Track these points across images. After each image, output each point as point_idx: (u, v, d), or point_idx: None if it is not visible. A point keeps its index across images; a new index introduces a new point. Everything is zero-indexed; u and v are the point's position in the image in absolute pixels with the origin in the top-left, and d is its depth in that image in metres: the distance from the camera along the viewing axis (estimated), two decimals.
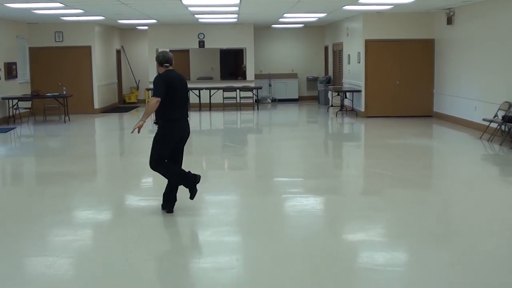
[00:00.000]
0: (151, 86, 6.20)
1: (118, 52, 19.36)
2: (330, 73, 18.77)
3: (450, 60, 13.38)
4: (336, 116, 15.20)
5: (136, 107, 18.43)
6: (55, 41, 16.39)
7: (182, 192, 5.90)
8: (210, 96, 16.64)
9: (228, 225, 5.68)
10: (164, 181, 5.96)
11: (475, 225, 5.63)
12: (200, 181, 5.91)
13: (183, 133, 5.86)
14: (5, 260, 4.74)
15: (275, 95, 19.58)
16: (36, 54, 16.33)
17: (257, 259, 4.73)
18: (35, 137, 12.77)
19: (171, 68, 5.82)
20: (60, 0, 10.76)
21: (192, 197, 5.87)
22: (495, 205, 6.42)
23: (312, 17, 15.51)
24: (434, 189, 7.46)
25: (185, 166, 6.01)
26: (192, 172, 5.87)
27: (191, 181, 5.82)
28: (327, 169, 8.80)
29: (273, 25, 18.66)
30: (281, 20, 16.07)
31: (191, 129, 6.00)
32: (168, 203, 5.90)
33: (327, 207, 6.52)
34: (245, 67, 18.63)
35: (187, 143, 6.01)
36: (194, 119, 14.94)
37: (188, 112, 5.98)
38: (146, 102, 18.90)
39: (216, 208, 6.23)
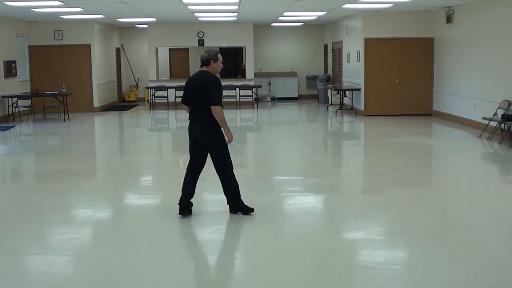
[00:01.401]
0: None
1: (118, 50, 19.35)
2: (330, 71, 18.77)
3: (449, 58, 13.39)
4: (336, 114, 15.20)
5: (136, 105, 18.43)
6: (55, 40, 16.38)
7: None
8: None
9: (227, 224, 5.68)
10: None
11: (474, 224, 5.65)
12: (198, 188, 5.89)
13: (194, 136, 5.67)
14: (4, 258, 4.75)
15: (275, 94, 19.58)
16: (36, 53, 16.33)
17: (256, 257, 4.74)
18: (35, 136, 12.76)
19: (203, 69, 5.64)
20: None
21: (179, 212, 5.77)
22: (495, 203, 6.44)
23: (311, 15, 15.51)
24: (433, 187, 7.46)
25: (184, 166, 5.99)
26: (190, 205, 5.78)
27: (182, 205, 5.73)
28: (326, 168, 8.80)
29: (272, 24, 18.66)
30: (280, 18, 16.07)
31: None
32: (237, 204, 5.86)
33: (326, 205, 6.52)
34: (244, 65, 18.63)
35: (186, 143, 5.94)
36: None
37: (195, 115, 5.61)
38: (146, 100, 18.92)
39: (215, 206, 6.22)
